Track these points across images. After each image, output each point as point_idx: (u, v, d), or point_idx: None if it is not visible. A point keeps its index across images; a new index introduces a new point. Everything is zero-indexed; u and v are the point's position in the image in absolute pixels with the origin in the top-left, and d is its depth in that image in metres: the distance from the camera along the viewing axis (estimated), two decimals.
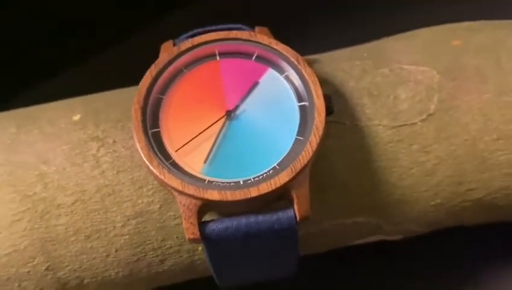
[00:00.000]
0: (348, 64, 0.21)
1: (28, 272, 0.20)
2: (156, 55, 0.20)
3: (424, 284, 0.24)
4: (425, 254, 0.24)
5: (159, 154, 0.18)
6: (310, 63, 0.21)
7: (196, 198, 0.17)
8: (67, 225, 0.19)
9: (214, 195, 0.17)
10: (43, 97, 0.23)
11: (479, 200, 0.21)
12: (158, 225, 0.19)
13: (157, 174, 0.17)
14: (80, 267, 0.20)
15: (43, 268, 0.20)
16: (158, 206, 0.19)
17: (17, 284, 0.20)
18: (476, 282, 0.24)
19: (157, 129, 0.18)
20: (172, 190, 0.17)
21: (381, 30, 0.24)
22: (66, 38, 0.31)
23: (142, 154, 0.18)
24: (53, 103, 0.22)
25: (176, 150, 0.18)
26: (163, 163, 0.18)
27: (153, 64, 0.19)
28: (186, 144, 0.18)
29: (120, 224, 0.19)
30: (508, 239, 0.24)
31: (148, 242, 0.20)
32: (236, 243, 0.18)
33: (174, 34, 0.21)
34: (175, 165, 0.18)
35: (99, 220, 0.19)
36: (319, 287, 0.24)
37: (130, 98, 0.21)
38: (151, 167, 0.17)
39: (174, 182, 0.17)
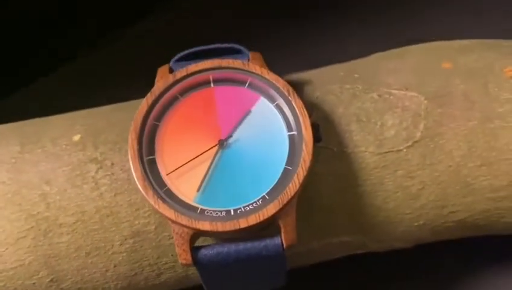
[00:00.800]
0: (339, 87, 0.22)
1: (34, 283, 0.21)
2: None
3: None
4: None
5: (154, 183, 0.19)
6: (302, 85, 0.22)
7: (188, 227, 0.18)
8: (69, 243, 0.21)
9: (205, 226, 0.18)
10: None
11: (461, 221, 0.22)
12: (154, 243, 0.21)
13: (152, 203, 0.18)
14: (81, 279, 0.21)
15: (47, 280, 0.21)
16: (154, 227, 0.20)
17: None
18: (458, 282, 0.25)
19: (152, 157, 0.19)
20: (165, 218, 0.18)
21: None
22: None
23: (138, 185, 0.19)
24: (54, 117, 0.23)
25: (167, 174, 0.19)
26: (158, 192, 0.19)
27: (149, 93, 0.20)
28: (178, 168, 0.19)
29: (118, 243, 0.21)
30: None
31: (144, 259, 0.21)
32: (227, 267, 0.19)
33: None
34: (169, 193, 0.19)
35: (99, 239, 0.21)
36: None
37: (128, 118, 0.22)
38: (146, 197, 0.19)
39: (167, 212, 0.18)
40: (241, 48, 0.22)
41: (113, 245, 0.21)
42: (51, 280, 0.21)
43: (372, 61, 0.24)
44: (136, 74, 0.29)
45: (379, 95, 0.22)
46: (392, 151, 0.21)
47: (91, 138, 0.21)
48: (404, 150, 0.21)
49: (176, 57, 0.22)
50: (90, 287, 0.21)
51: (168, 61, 0.21)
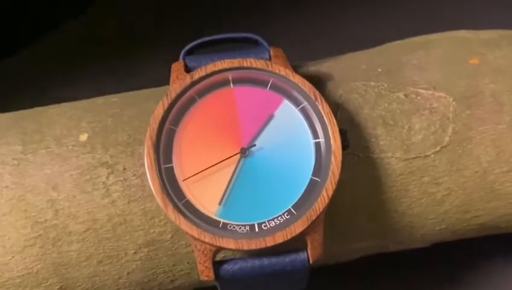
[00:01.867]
0: (363, 85, 0.21)
1: None
2: None
3: None
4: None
5: (173, 195, 0.18)
6: (324, 82, 0.21)
7: (211, 245, 0.17)
8: (79, 251, 0.20)
9: (229, 244, 0.17)
10: None
11: (483, 224, 0.21)
12: (170, 252, 0.20)
13: (173, 220, 0.17)
14: (92, 286, 0.20)
15: (57, 288, 0.20)
16: (170, 235, 0.19)
17: None
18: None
19: (170, 165, 0.18)
20: (187, 235, 0.17)
21: None
22: None
23: (157, 198, 0.18)
24: (54, 110, 0.22)
25: (184, 180, 0.18)
26: (177, 205, 0.18)
27: (165, 96, 0.19)
28: (196, 174, 0.18)
29: (132, 251, 0.20)
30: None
31: (159, 267, 0.20)
32: (249, 282, 0.18)
33: None
34: (189, 206, 0.18)
35: (111, 247, 0.20)
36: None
37: (139, 115, 0.20)
38: (166, 212, 0.17)
39: (190, 229, 0.17)
40: (259, 38, 0.20)
41: (126, 254, 0.20)
42: (60, 288, 0.20)
43: (393, 53, 0.22)
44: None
45: (406, 95, 0.20)
46: (419, 157, 0.20)
47: (100, 139, 0.20)
48: (432, 156, 0.20)
49: (188, 47, 0.20)
50: None
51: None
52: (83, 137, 0.20)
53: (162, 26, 0.33)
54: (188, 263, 0.20)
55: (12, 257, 0.20)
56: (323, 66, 0.22)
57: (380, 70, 0.21)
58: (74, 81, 0.31)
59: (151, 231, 0.19)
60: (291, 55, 0.21)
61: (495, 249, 0.25)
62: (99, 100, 0.22)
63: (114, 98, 0.22)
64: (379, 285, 0.24)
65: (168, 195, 0.18)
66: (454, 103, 0.20)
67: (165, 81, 0.21)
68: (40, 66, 0.33)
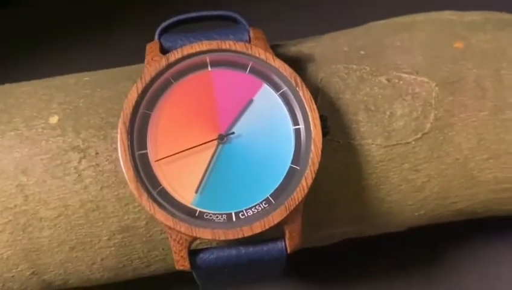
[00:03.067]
0: (344, 68, 0.20)
1: (13, 276, 0.20)
2: None
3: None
4: None
5: (147, 183, 0.17)
6: (304, 63, 0.20)
7: (187, 235, 0.17)
8: (51, 238, 0.19)
9: (206, 234, 0.17)
10: None
11: (461, 210, 0.21)
12: (144, 239, 0.19)
13: (147, 209, 0.17)
14: (65, 272, 0.20)
15: (28, 273, 0.20)
16: (145, 222, 0.19)
17: (1, 285, 0.20)
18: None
19: (144, 151, 0.18)
20: (162, 224, 0.17)
21: None
22: None
23: (130, 186, 0.17)
24: (22, 88, 0.21)
25: (156, 160, 0.17)
26: (152, 194, 0.17)
27: (139, 79, 0.18)
28: (170, 156, 0.18)
29: (105, 237, 0.19)
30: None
31: (134, 253, 0.20)
32: (226, 271, 0.18)
33: None
34: (164, 194, 0.17)
35: (84, 233, 0.19)
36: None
37: (112, 97, 0.20)
38: (140, 201, 0.17)
39: (165, 218, 0.17)
40: (237, 16, 0.20)
41: (100, 240, 0.19)
42: (32, 273, 0.20)
43: (376, 34, 0.22)
44: None
45: (388, 80, 0.20)
46: (400, 143, 0.20)
47: (71, 121, 0.19)
48: (413, 143, 0.20)
49: (163, 26, 0.19)
50: (75, 278, 0.20)
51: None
52: (53, 119, 0.19)
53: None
54: (163, 249, 0.20)
55: None
56: (304, 47, 0.21)
57: (362, 52, 0.21)
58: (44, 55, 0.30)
59: (125, 217, 0.19)
60: (271, 34, 0.21)
61: (471, 232, 0.25)
62: (70, 79, 0.21)
63: (85, 77, 0.21)
64: (358, 266, 0.24)
65: (143, 183, 0.17)
66: (437, 88, 0.20)
67: (137, 55, 0.20)
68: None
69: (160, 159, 0.18)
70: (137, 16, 0.31)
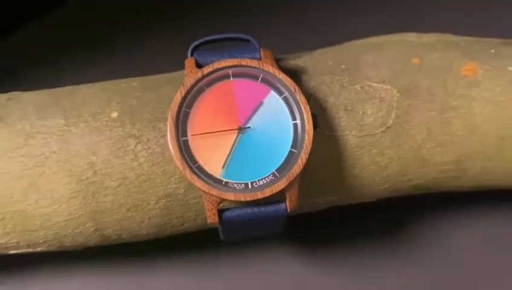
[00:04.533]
0: (330, 78, 0.27)
1: (80, 231, 0.26)
2: None
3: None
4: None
5: (189, 161, 0.24)
6: (299, 74, 0.27)
7: (218, 197, 0.24)
8: (113, 202, 0.26)
9: (230, 196, 0.24)
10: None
11: (416, 185, 0.28)
12: (182, 203, 0.26)
13: (190, 179, 0.24)
14: (120, 228, 0.27)
15: (92, 229, 0.26)
16: (183, 190, 0.26)
17: (70, 238, 0.27)
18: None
19: (185, 138, 0.24)
20: (200, 190, 0.24)
21: None
22: None
23: (177, 164, 0.24)
24: (87, 90, 0.27)
25: (193, 135, 0.24)
26: (193, 169, 0.24)
27: (182, 86, 0.25)
28: (204, 134, 0.24)
29: (153, 202, 0.26)
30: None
31: (173, 214, 0.27)
32: (243, 225, 0.25)
33: None
34: (200, 169, 0.24)
35: (137, 198, 0.26)
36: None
37: (156, 99, 0.26)
38: (184, 173, 0.24)
39: (202, 186, 0.24)
40: (250, 38, 0.27)
41: (149, 203, 0.26)
42: (95, 229, 0.26)
43: (354, 52, 0.29)
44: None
45: (362, 87, 0.27)
46: (369, 134, 0.27)
47: (128, 116, 0.26)
48: (379, 134, 0.27)
49: (194, 45, 0.26)
50: (127, 234, 0.27)
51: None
52: (114, 114, 0.26)
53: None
54: (195, 211, 0.27)
55: (60, 205, 0.26)
56: (300, 61, 0.28)
57: (343, 66, 0.28)
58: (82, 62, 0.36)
59: (169, 186, 0.26)
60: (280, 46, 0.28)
61: (434, 206, 0.32)
62: (122, 84, 0.28)
63: (134, 83, 0.28)
64: (340, 229, 0.31)
65: (186, 161, 0.24)
66: (398, 94, 0.27)
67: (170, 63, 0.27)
68: (41, 44, 0.37)
69: (196, 135, 0.24)
70: (165, 31, 0.37)
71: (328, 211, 0.29)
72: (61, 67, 0.36)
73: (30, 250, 0.27)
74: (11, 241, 0.26)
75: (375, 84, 0.27)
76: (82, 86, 0.28)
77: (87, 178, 0.25)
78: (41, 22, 0.37)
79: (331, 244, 0.30)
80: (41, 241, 0.26)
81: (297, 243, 0.30)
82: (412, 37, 0.29)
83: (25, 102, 0.27)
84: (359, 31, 0.31)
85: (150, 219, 0.26)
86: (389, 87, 0.27)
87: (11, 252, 0.27)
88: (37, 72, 0.35)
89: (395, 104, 0.27)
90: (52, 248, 0.27)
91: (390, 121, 0.27)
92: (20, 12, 0.37)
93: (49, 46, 0.37)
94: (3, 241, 0.26)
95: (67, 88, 0.28)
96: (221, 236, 0.26)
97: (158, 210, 0.26)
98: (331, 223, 0.30)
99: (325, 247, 0.30)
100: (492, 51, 0.28)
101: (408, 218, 0.31)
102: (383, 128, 0.27)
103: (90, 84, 0.28)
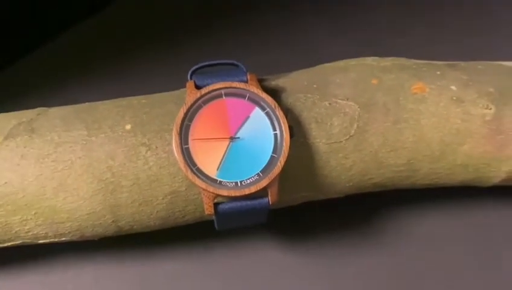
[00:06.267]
0: (304, 96, 0.33)
1: (100, 223, 0.32)
2: None
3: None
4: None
5: (190, 164, 0.30)
6: (279, 92, 0.33)
7: (213, 193, 0.30)
8: (127, 198, 0.32)
9: (224, 192, 0.30)
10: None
11: (376, 183, 0.35)
12: (184, 198, 0.32)
13: (191, 179, 0.30)
14: (133, 220, 0.33)
15: (110, 221, 0.32)
16: (185, 188, 0.32)
17: (91, 229, 0.33)
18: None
19: (187, 145, 0.31)
20: (199, 188, 0.30)
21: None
22: None
23: (180, 165, 0.30)
24: (104, 106, 0.33)
25: (193, 139, 0.30)
26: (193, 170, 0.30)
27: (184, 104, 0.31)
28: (202, 139, 0.30)
29: (161, 197, 0.32)
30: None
31: (176, 207, 0.32)
32: (234, 216, 0.31)
33: None
34: (199, 170, 0.30)
35: (148, 195, 0.32)
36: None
37: (162, 114, 0.32)
38: (186, 174, 0.30)
39: (201, 184, 0.30)
40: (239, 64, 0.33)
41: (157, 199, 0.32)
42: (112, 221, 0.32)
43: (324, 73, 0.35)
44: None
45: (329, 104, 0.33)
46: (336, 142, 0.33)
47: (139, 128, 0.32)
48: (344, 141, 0.33)
49: (192, 69, 0.32)
50: (138, 224, 0.33)
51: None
52: (128, 127, 0.32)
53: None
54: (194, 205, 0.32)
55: (84, 201, 0.32)
56: (279, 81, 0.35)
57: (315, 86, 0.34)
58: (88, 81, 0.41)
59: (173, 185, 0.32)
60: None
61: (399, 201, 0.36)
62: (133, 101, 0.34)
63: (143, 100, 0.34)
64: (316, 220, 0.37)
65: (187, 164, 0.30)
66: (359, 109, 0.33)
67: (171, 82, 0.33)
68: (55, 64, 0.43)
69: (195, 139, 0.30)
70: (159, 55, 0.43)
71: (304, 206, 0.33)
72: (73, 85, 0.42)
73: (56, 240, 0.33)
74: (41, 232, 0.32)
75: (340, 101, 0.33)
76: (99, 102, 0.34)
77: (106, 179, 0.31)
78: (53, 42, 0.43)
79: (307, 234, 0.34)
80: (66, 232, 0.32)
81: (278, 235, 0.34)
82: (371, 61, 0.36)
83: (52, 116, 0.33)
84: (329, 54, 0.38)
85: (157, 212, 0.32)
86: (352, 103, 0.33)
87: (40, 241, 0.33)
88: (50, 89, 0.41)
89: (356, 117, 0.33)
90: (74, 238, 0.33)
91: (353, 131, 0.33)
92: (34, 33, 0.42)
93: (60, 66, 0.43)
94: (35, 232, 0.32)
95: (87, 104, 0.34)
96: (216, 226, 0.32)
97: (164, 205, 0.32)
98: (307, 215, 0.34)
99: (301, 236, 0.34)
100: (438, 72, 0.35)
101: (374, 212, 0.35)
102: (347, 137, 0.33)
103: (105, 101, 0.34)
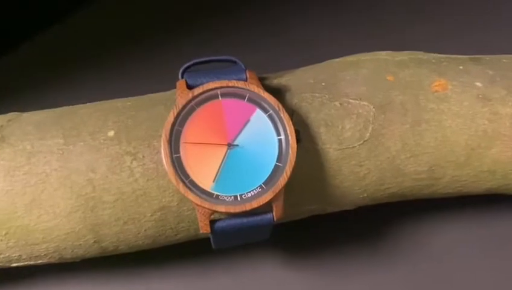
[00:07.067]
0: (310, 96, 0.29)
1: (80, 244, 0.28)
2: None
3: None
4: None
5: (182, 176, 0.26)
6: (283, 92, 0.29)
7: (209, 209, 0.26)
8: (110, 215, 0.28)
9: (221, 208, 0.26)
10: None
11: (393, 193, 0.31)
12: (176, 214, 0.28)
13: (183, 193, 0.26)
14: (118, 240, 0.29)
15: (91, 241, 0.28)
16: (176, 203, 0.28)
17: (70, 251, 0.29)
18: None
19: (178, 155, 0.26)
20: (193, 203, 0.26)
21: None
22: None
23: (171, 179, 0.26)
24: (84, 109, 0.29)
25: (185, 143, 0.26)
26: (185, 183, 0.26)
27: (174, 106, 0.27)
28: (195, 143, 0.26)
29: (149, 214, 0.28)
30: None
31: (167, 225, 0.28)
32: (233, 234, 0.27)
33: None
34: (193, 183, 0.26)
35: (134, 211, 0.28)
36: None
37: (150, 118, 0.28)
38: (178, 188, 0.26)
39: (195, 199, 0.26)
40: (237, 60, 0.29)
41: (144, 216, 0.28)
42: (94, 241, 0.28)
43: (332, 70, 0.31)
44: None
45: (340, 104, 0.29)
46: (348, 147, 0.29)
47: (124, 134, 0.28)
48: (357, 146, 0.29)
49: (184, 66, 0.28)
50: (124, 244, 0.29)
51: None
52: (111, 133, 0.28)
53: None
54: (188, 222, 0.28)
55: (61, 220, 0.28)
56: (283, 80, 0.31)
57: (323, 84, 0.30)
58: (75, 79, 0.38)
59: (163, 199, 0.28)
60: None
61: (409, 212, 0.34)
62: (117, 103, 0.30)
63: (128, 102, 0.30)
64: (321, 235, 0.33)
65: (179, 176, 0.26)
66: (374, 109, 0.29)
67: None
68: (40, 61, 0.39)
69: (187, 143, 0.26)
70: (148, 52, 0.39)
71: (310, 217, 0.31)
72: (53, 88, 0.38)
73: (32, 263, 0.29)
74: (14, 254, 0.28)
75: (352, 101, 0.29)
76: (79, 106, 0.30)
77: (86, 193, 0.27)
78: (31, 42, 0.39)
79: (313, 250, 0.32)
80: (42, 254, 0.28)
81: (281, 250, 0.32)
82: (385, 55, 0.32)
83: (25, 122, 0.29)
84: (336, 49, 0.34)
85: (145, 230, 0.28)
86: (365, 103, 0.29)
87: (14, 265, 0.29)
88: (28, 92, 0.37)
89: (371, 119, 0.29)
90: (52, 260, 0.29)
91: (367, 135, 0.29)
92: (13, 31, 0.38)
93: (39, 67, 0.39)
94: (6, 255, 0.28)
95: (65, 108, 0.30)
96: (213, 244, 0.28)
97: (153, 222, 0.28)
98: (313, 229, 0.32)
99: (306, 252, 0.32)
100: (461, 67, 0.31)
101: (387, 223, 0.33)
102: (361, 142, 0.29)
103: (87, 104, 0.30)
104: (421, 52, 0.32)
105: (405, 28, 0.40)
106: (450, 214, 0.34)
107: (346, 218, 0.31)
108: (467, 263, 0.32)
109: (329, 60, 0.32)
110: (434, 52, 0.33)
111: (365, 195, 0.30)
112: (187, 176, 0.26)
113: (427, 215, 0.33)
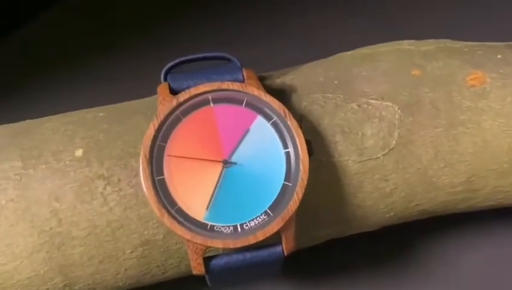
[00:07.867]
0: (322, 96, 0.24)
1: (47, 289, 0.23)
2: None
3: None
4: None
5: (166, 203, 0.21)
6: (289, 94, 0.24)
7: (202, 245, 0.20)
8: (82, 254, 0.22)
9: (217, 243, 0.20)
10: None
11: (424, 211, 0.26)
12: (162, 250, 0.23)
13: (168, 225, 0.20)
14: (94, 282, 0.23)
15: (61, 285, 0.23)
16: (162, 236, 0.23)
17: None
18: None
19: (162, 177, 0.21)
20: (181, 238, 0.21)
21: None
22: None
23: (153, 207, 0.21)
24: (48, 123, 0.24)
25: (169, 161, 0.21)
26: (171, 213, 0.21)
27: (155, 117, 0.21)
28: (185, 161, 0.21)
29: (129, 251, 0.23)
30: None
31: (153, 262, 0.23)
32: (234, 273, 0.21)
33: None
34: (180, 212, 0.21)
35: (111, 248, 0.22)
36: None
37: (126, 131, 0.23)
38: (162, 220, 0.20)
39: (184, 233, 0.20)
40: (231, 57, 0.23)
41: (124, 253, 0.23)
42: (64, 285, 0.23)
43: (345, 65, 0.26)
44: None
45: (358, 106, 0.24)
46: (371, 159, 0.24)
47: (94, 153, 0.23)
48: (381, 157, 0.24)
49: (168, 66, 0.23)
50: (101, 287, 0.24)
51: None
52: (78, 153, 0.23)
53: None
54: (177, 257, 0.23)
55: (21, 262, 0.22)
56: (287, 78, 0.25)
57: (336, 82, 0.25)
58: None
59: (146, 232, 0.22)
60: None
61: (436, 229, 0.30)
62: (88, 114, 0.24)
63: (100, 113, 0.24)
64: (339, 260, 0.28)
65: (163, 204, 0.21)
66: (399, 111, 0.24)
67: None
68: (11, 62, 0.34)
69: (174, 156, 0.21)
70: (131, 49, 0.34)
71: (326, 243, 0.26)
72: (17, 98, 0.32)
73: None
74: None
75: (373, 101, 0.24)
76: (43, 119, 0.25)
77: (51, 228, 0.22)
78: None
79: (331, 276, 0.28)
80: None
81: (294, 275, 0.28)
82: (407, 45, 0.26)
83: None
84: (345, 40, 0.28)
85: (126, 270, 0.23)
86: (389, 103, 0.24)
87: None
88: None
89: (397, 123, 0.24)
90: None
91: (393, 142, 0.24)
92: None
93: (4, 73, 0.34)
94: None
95: (25, 123, 0.25)
96: (209, 284, 0.23)
97: (135, 260, 0.23)
98: (330, 252, 0.28)
99: (324, 278, 0.28)
100: (499, 56, 0.26)
101: (410, 242, 0.29)
102: (386, 151, 0.24)
103: (51, 117, 0.25)
104: (449, 40, 0.27)
105: (412, 19, 0.35)
106: (483, 227, 0.29)
107: (364, 238, 0.27)
108: (501, 286, 0.27)
109: (339, 54, 0.27)
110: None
111: (391, 214, 0.25)
112: (173, 203, 0.21)
113: (455, 231, 0.29)
